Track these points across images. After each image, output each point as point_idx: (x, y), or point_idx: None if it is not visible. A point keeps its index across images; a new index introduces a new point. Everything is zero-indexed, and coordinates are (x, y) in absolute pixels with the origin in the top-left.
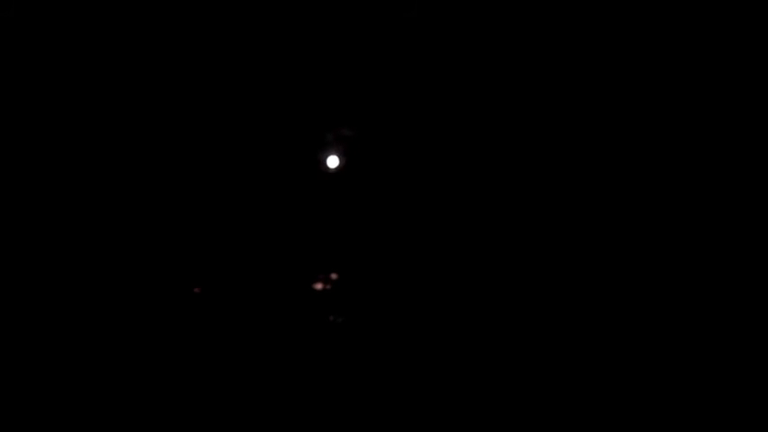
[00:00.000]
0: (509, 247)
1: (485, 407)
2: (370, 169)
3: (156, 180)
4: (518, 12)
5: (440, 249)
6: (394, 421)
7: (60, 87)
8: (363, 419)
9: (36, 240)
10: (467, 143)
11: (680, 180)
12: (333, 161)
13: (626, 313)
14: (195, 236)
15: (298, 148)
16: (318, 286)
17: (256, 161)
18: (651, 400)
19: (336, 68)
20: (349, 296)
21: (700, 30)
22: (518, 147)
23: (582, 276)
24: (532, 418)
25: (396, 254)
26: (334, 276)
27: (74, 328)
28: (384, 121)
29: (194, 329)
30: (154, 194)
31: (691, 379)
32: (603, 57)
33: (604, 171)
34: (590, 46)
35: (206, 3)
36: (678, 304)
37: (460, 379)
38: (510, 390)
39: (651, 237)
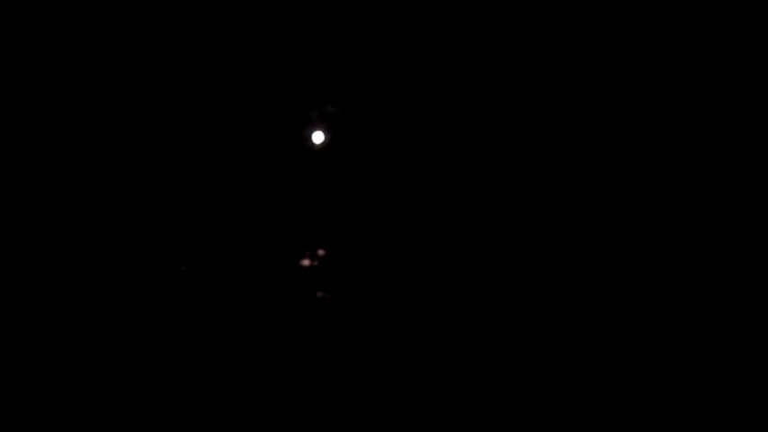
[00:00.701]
0: (498, 233)
1: (482, 405)
2: (357, 146)
3: (141, 163)
4: (518, 12)
5: (428, 229)
6: (391, 419)
7: (60, 87)
8: (359, 416)
9: (34, 240)
10: (463, 139)
11: (680, 180)
12: (318, 137)
13: (626, 313)
14: (180, 218)
15: (283, 124)
16: (306, 263)
17: (241, 140)
18: (651, 400)
19: (333, 68)
20: (338, 277)
21: (700, 30)
22: (517, 148)
23: (580, 275)
24: (532, 418)
25: (384, 233)
26: (321, 253)
27: (70, 327)
28: (376, 113)
29: (182, 314)
30: (138, 177)
31: (691, 379)
32: (604, 57)
33: (604, 171)
34: (590, 46)
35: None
36: (678, 304)
37: (453, 371)
38: (508, 387)
39: (651, 237)
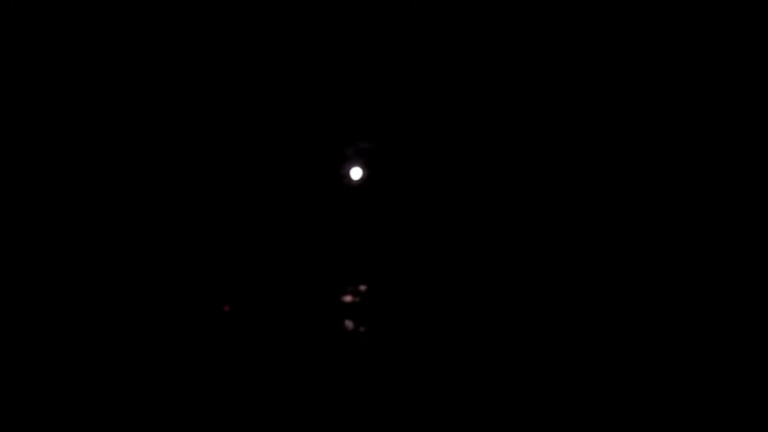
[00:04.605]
0: (527, 252)
1: (485, 407)
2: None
3: (169, 187)
4: (518, 11)
5: (462, 257)
6: (394, 422)
7: (60, 87)
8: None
9: (36, 241)
10: (462, 137)
11: (680, 180)
12: (356, 173)
13: (626, 313)
14: (217, 249)
15: (318, 159)
16: (348, 298)
17: (278, 174)
18: (651, 400)
19: (340, 69)
20: (372, 307)
21: (700, 30)
22: (518, 146)
23: (584, 277)
24: (532, 419)
25: (420, 263)
26: (362, 288)
27: (73, 329)
28: (392, 127)
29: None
30: (167, 201)
31: (691, 379)
32: (603, 57)
33: (604, 171)
34: (590, 46)
35: (205, 7)
36: (678, 304)
37: (463, 380)
38: (511, 390)
39: (651, 237)
